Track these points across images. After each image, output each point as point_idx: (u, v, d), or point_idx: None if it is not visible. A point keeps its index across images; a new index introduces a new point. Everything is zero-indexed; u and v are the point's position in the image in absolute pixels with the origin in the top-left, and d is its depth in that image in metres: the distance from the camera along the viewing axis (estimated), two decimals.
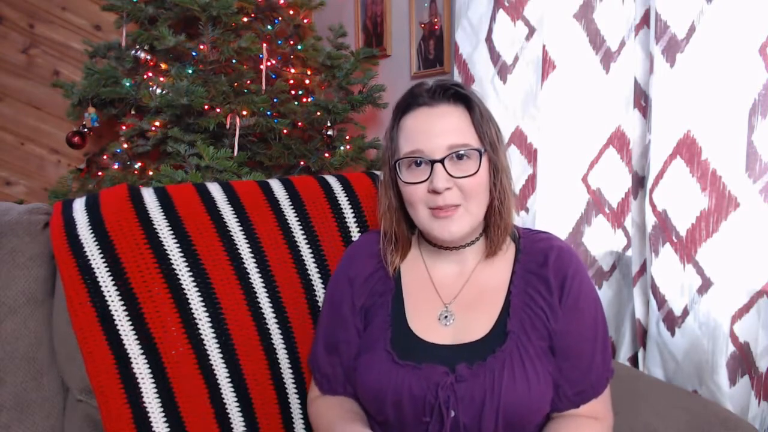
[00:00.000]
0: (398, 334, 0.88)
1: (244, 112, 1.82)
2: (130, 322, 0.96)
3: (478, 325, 0.86)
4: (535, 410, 0.82)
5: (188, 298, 1.00)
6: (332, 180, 1.22)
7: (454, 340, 0.86)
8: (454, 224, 0.85)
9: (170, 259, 1.01)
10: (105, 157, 2.11)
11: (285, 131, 1.94)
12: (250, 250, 1.07)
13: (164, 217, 1.04)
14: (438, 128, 0.84)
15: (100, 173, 2.07)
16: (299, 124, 2.04)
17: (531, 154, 1.39)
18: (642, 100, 1.23)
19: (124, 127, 1.92)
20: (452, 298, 0.90)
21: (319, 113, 2.04)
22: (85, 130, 2.02)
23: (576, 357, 0.85)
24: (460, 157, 0.84)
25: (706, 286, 1.05)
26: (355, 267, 0.96)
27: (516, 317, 0.85)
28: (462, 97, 0.86)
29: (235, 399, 1.01)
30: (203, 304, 1.01)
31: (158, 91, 1.75)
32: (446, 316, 0.89)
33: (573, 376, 0.85)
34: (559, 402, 0.85)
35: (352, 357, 0.92)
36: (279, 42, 2.06)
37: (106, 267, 0.98)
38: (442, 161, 0.83)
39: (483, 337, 0.85)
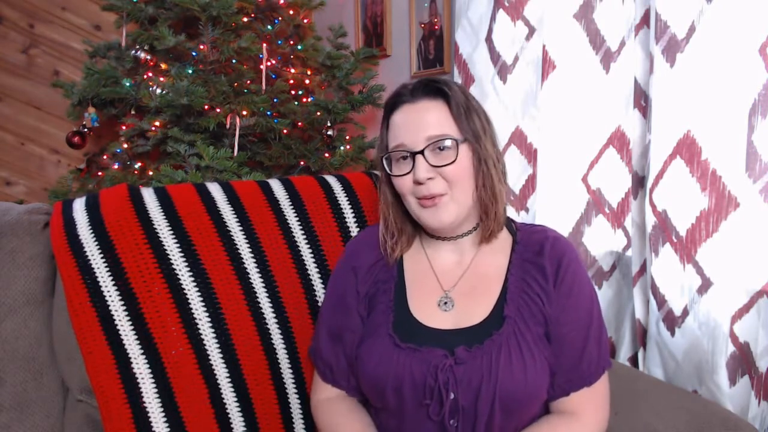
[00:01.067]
0: (400, 318, 0.91)
1: (244, 112, 1.82)
2: (130, 322, 0.96)
3: (477, 311, 0.89)
4: (532, 396, 0.84)
5: (188, 298, 1.00)
6: (332, 180, 1.22)
7: (454, 325, 0.89)
8: (441, 212, 0.88)
9: (170, 259, 1.01)
10: (105, 157, 2.11)
11: (285, 131, 1.94)
12: (250, 250, 1.07)
13: (164, 217, 1.04)
14: (418, 122, 0.89)
15: (100, 173, 2.07)
16: (299, 124, 2.04)
17: (531, 154, 1.39)
18: (642, 100, 1.23)
19: (124, 127, 1.91)
20: (452, 285, 0.93)
21: (319, 113, 2.03)
22: (85, 130, 2.02)
23: (569, 344, 0.87)
24: (441, 147, 0.87)
25: (706, 286, 1.05)
26: (359, 257, 0.98)
27: (513, 303, 0.88)
28: (440, 91, 0.90)
29: (235, 399, 1.01)
30: (203, 304, 1.01)
31: (158, 91, 1.75)
32: (446, 302, 0.91)
33: (566, 363, 0.86)
34: (551, 389, 0.87)
35: (355, 345, 0.93)
36: (279, 42, 2.06)
37: (106, 267, 0.98)
38: (422, 152, 0.87)
39: (481, 322, 0.88)
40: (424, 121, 0.88)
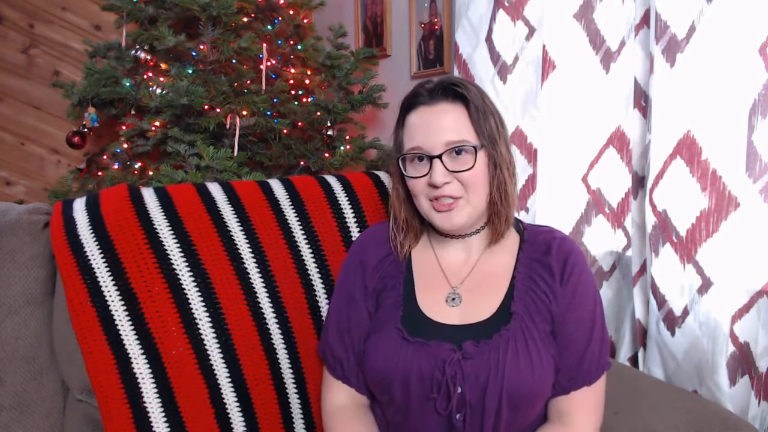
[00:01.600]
0: (408, 313, 0.92)
1: (244, 112, 1.82)
2: (131, 322, 0.96)
3: (484, 307, 0.90)
4: (539, 392, 0.85)
5: (188, 298, 1.00)
6: (332, 180, 1.22)
7: (462, 320, 0.90)
8: (455, 215, 0.89)
9: (170, 259, 1.01)
10: (105, 157, 2.11)
11: (285, 131, 1.94)
12: (250, 250, 1.07)
13: (164, 217, 1.04)
14: (436, 126, 0.88)
15: (100, 173, 2.07)
16: (299, 124, 2.04)
17: (531, 154, 1.39)
18: (642, 100, 1.23)
19: (124, 127, 1.91)
20: (459, 282, 0.94)
21: (319, 113, 2.03)
22: (85, 130, 2.02)
23: (573, 343, 0.87)
24: (458, 152, 0.87)
25: (706, 286, 1.05)
26: (367, 253, 0.99)
27: (520, 301, 0.88)
28: (459, 94, 0.89)
29: (236, 399, 1.01)
30: (203, 304, 1.01)
31: (158, 91, 1.76)
32: (453, 298, 0.92)
33: (568, 362, 0.87)
34: (551, 387, 0.87)
35: (362, 340, 0.94)
36: (279, 42, 2.06)
37: (106, 267, 0.98)
38: (440, 157, 0.87)
39: (488, 318, 0.88)
40: (442, 125, 0.88)
